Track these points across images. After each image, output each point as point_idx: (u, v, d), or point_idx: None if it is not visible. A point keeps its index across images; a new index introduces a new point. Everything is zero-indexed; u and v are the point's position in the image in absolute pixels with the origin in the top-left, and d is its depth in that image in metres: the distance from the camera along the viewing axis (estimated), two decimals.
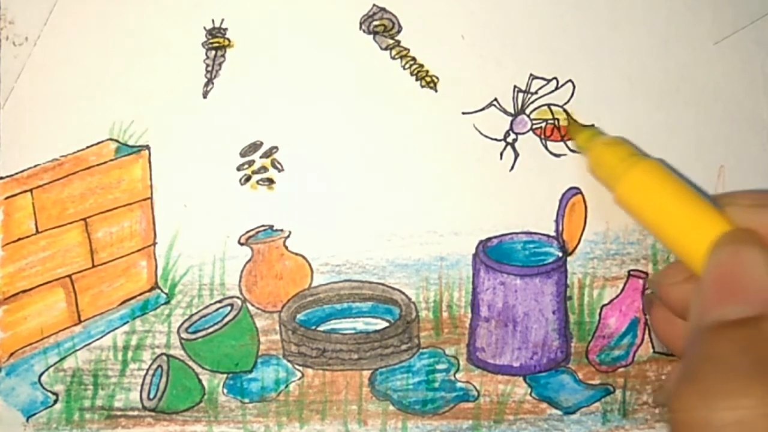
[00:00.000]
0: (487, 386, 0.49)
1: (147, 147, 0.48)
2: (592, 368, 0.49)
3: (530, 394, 0.49)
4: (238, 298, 0.48)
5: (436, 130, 0.48)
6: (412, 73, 0.48)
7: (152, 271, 0.48)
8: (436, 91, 0.48)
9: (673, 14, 0.49)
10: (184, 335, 0.48)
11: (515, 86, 0.48)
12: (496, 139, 0.48)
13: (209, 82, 0.48)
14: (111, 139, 0.48)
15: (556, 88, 0.48)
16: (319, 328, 0.48)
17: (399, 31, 0.48)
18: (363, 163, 0.48)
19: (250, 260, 0.48)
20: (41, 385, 0.47)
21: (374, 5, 0.48)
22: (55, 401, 0.48)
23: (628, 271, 0.49)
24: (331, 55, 0.48)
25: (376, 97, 0.48)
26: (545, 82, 0.48)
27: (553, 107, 0.48)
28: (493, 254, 0.48)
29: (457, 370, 0.49)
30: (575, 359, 0.49)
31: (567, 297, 0.48)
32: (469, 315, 0.48)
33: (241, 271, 0.48)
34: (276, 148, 0.48)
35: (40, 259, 0.47)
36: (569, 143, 0.48)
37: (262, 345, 0.48)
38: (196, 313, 0.48)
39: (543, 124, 0.48)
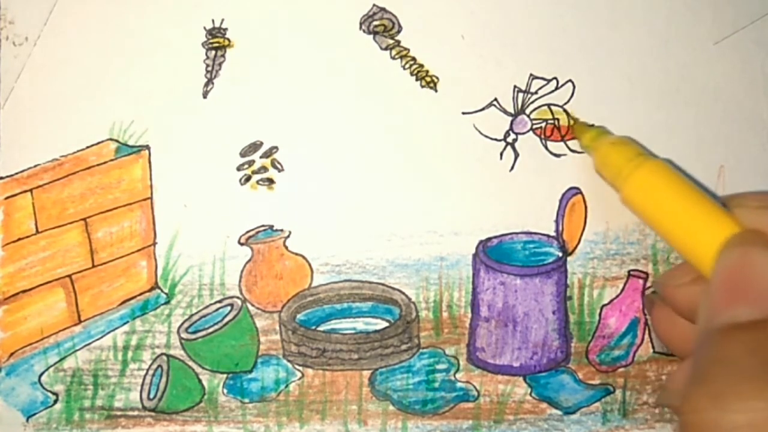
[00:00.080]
0: (487, 386, 0.49)
1: (147, 147, 0.48)
2: (592, 368, 0.49)
3: (530, 394, 0.49)
4: (238, 298, 0.48)
5: (436, 130, 0.48)
6: (412, 73, 0.48)
7: (152, 271, 0.48)
8: (436, 91, 0.48)
9: (673, 14, 0.49)
10: (184, 335, 0.48)
11: (515, 86, 0.48)
12: (496, 139, 0.48)
13: (209, 82, 0.48)
14: (111, 139, 0.48)
15: (556, 88, 0.48)
16: (319, 328, 0.48)
17: (399, 31, 0.48)
18: (363, 163, 0.48)
19: (250, 260, 0.48)
20: (41, 385, 0.47)
21: (374, 5, 0.48)
22: (55, 401, 0.48)
23: (628, 271, 0.49)
24: (331, 55, 0.48)
25: (376, 97, 0.48)
26: (545, 82, 0.48)
27: (553, 107, 0.48)
28: (493, 254, 0.48)
29: (457, 370, 0.49)
30: (575, 359, 0.49)
31: (567, 297, 0.48)
32: (469, 315, 0.48)
33: (241, 271, 0.48)
34: (276, 148, 0.48)
35: (40, 259, 0.47)
36: (569, 143, 0.48)
37: (262, 345, 0.48)
38: (196, 313, 0.48)
39: (543, 124, 0.48)
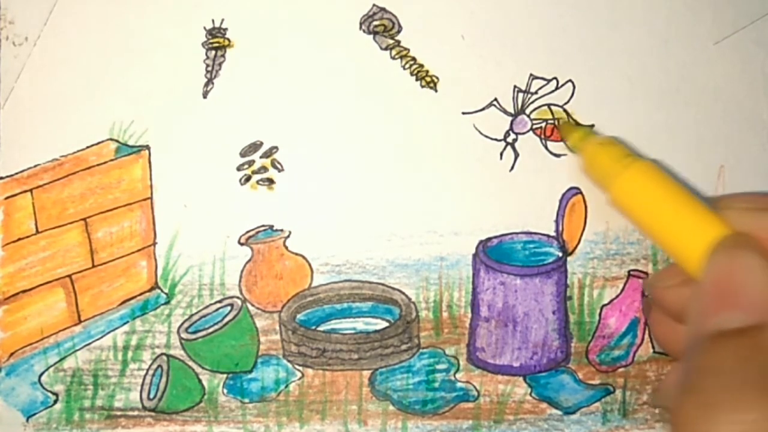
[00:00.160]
0: (487, 386, 0.49)
1: (147, 147, 0.48)
2: (592, 368, 0.49)
3: (530, 394, 0.49)
4: (238, 298, 0.48)
5: (436, 130, 0.48)
6: (412, 73, 0.48)
7: (152, 271, 0.48)
8: (436, 91, 0.48)
9: (673, 14, 0.49)
10: (184, 335, 0.48)
11: (515, 86, 0.48)
12: (496, 139, 0.48)
13: (209, 82, 0.48)
14: (111, 139, 0.48)
15: (556, 88, 0.48)
16: (319, 328, 0.48)
17: (399, 31, 0.48)
18: (363, 163, 0.48)
19: (250, 260, 0.48)
20: (41, 385, 0.47)
21: (374, 5, 0.48)
22: (55, 401, 0.48)
23: (628, 271, 0.49)
24: (331, 55, 0.48)
25: (376, 97, 0.48)
26: (545, 82, 0.48)
27: (553, 107, 0.48)
28: (493, 254, 0.48)
29: (457, 370, 0.49)
30: (575, 359, 0.49)
31: (567, 297, 0.48)
32: (469, 315, 0.48)
33: (241, 271, 0.48)
34: (276, 148, 0.48)
35: (40, 259, 0.47)
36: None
37: (262, 345, 0.48)
38: (196, 313, 0.48)
39: (543, 124, 0.48)
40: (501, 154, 0.48)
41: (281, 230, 0.48)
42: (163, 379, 0.48)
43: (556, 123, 0.48)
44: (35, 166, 0.47)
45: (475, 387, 0.49)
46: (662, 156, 0.46)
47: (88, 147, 0.47)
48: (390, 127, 0.48)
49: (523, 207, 0.48)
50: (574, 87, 0.48)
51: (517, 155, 0.48)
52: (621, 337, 0.49)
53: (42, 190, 0.47)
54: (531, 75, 0.48)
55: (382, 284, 0.48)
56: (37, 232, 0.47)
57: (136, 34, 0.48)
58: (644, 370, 0.49)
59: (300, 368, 0.48)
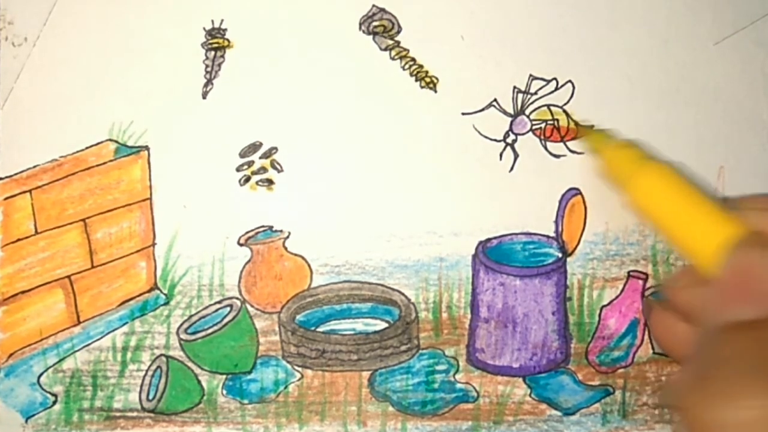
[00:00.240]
0: (487, 387, 0.49)
1: (146, 147, 0.48)
2: (591, 369, 0.49)
3: (530, 395, 0.49)
4: (237, 298, 0.48)
5: (436, 130, 0.48)
6: (411, 74, 0.48)
7: (151, 272, 0.48)
8: (436, 91, 0.48)
9: (673, 14, 0.48)
10: (183, 336, 0.48)
11: (515, 87, 0.48)
12: (495, 140, 0.48)
13: (209, 82, 0.48)
14: (110, 140, 0.48)
15: (556, 89, 0.48)
16: (319, 329, 0.48)
17: (399, 32, 0.48)
18: (363, 163, 0.48)
19: (249, 261, 0.48)
20: (40, 386, 0.47)
21: (374, 6, 0.48)
22: (54, 402, 0.48)
23: (628, 272, 0.48)
24: (331, 55, 0.48)
25: (376, 97, 0.48)
26: (545, 83, 0.48)
27: (552, 108, 0.48)
28: (492, 255, 0.48)
29: (457, 371, 0.48)
30: (575, 360, 0.49)
31: (567, 298, 0.48)
32: (469, 316, 0.48)
33: (241, 272, 0.48)
34: (276, 148, 0.48)
35: (39, 259, 0.47)
36: (569, 144, 0.48)
37: (261, 346, 0.48)
38: (196, 313, 0.48)
39: (543, 125, 0.48)
40: (501, 155, 0.48)
41: (281, 231, 0.48)
42: (163, 380, 0.48)
43: (564, 124, 0.48)
44: (35, 166, 0.47)
45: (474, 388, 0.48)
46: (662, 156, 0.46)
47: (87, 147, 0.47)
48: (390, 127, 0.48)
49: (522, 207, 0.48)
50: (573, 87, 0.48)
51: (516, 156, 0.48)
52: (621, 338, 0.49)
53: (41, 191, 0.47)
54: (531, 75, 0.48)
55: (382, 285, 0.48)
56: (37, 232, 0.47)
57: (136, 34, 0.48)
58: (644, 371, 0.49)
59: (299, 369, 0.48)
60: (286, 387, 0.48)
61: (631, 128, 0.48)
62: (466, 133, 0.48)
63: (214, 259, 0.48)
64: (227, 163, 0.48)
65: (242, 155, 0.48)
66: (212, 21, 0.48)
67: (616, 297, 0.48)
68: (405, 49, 0.48)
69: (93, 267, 0.48)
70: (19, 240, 0.47)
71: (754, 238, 0.38)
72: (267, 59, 0.48)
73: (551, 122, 0.48)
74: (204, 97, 0.48)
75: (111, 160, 0.47)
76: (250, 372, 0.48)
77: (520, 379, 0.49)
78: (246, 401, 0.48)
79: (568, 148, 0.48)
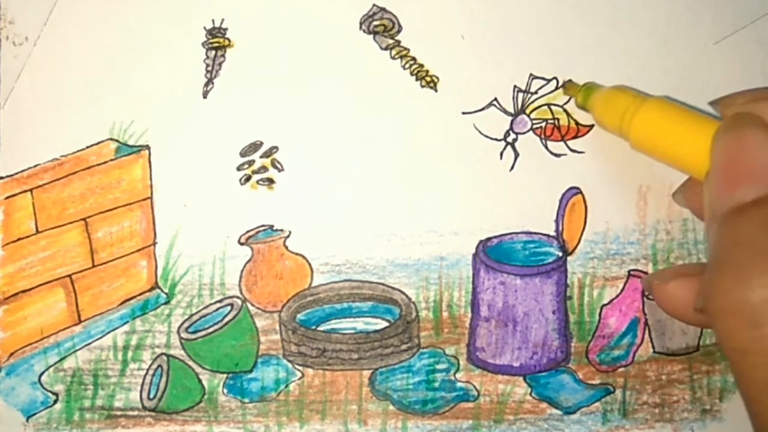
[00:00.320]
0: (487, 386, 0.49)
1: (147, 147, 0.48)
2: (592, 368, 0.49)
3: (530, 394, 0.49)
4: (238, 297, 0.48)
5: (436, 130, 0.48)
6: (412, 73, 0.48)
7: (152, 271, 0.48)
8: (436, 91, 0.48)
9: (673, 14, 0.49)
10: (184, 335, 0.48)
11: (515, 86, 0.48)
12: (496, 139, 0.48)
13: (209, 82, 0.48)
14: (111, 139, 0.48)
15: (556, 88, 0.48)
16: (319, 328, 0.48)
17: (399, 31, 0.48)
18: (363, 163, 0.48)
19: (250, 260, 0.48)
20: (41, 385, 0.47)
21: (374, 5, 0.48)
22: (55, 401, 0.48)
23: (628, 271, 0.49)
24: (331, 55, 0.48)
25: (376, 97, 0.48)
26: (545, 82, 0.48)
27: (553, 107, 0.48)
28: (493, 254, 0.48)
29: (457, 370, 0.49)
30: (575, 359, 0.49)
31: (567, 297, 0.48)
32: (469, 315, 0.48)
33: (241, 271, 0.48)
34: (276, 148, 0.48)
35: (40, 259, 0.47)
36: (569, 143, 0.48)
37: (262, 345, 0.48)
38: (196, 313, 0.48)
39: (543, 124, 0.48)
40: (501, 154, 0.48)
41: (281, 230, 0.48)
42: (163, 379, 0.48)
43: (564, 123, 0.48)
44: (35, 166, 0.47)
45: (475, 387, 0.49)
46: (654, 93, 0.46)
47: (88, 147, 0.47)
48: (390, 127, 0.48)
49: (523, 207, 0.48)
50: None
51: (517, 155, 0.48)
52: (621, 337, 0.49)
53: (42, 190, 0.47)
54: (531, 75, 0.48)
55: (382, 284, 0.48)
56: (37, 232, 0.47)
57: (137, 34, 0.48)
58: (644, 369, 0.49)
59: (300, 368, 0.48)
60: (286, 386, 0.48)
61: None
62: (466, 132, 0.48)
63: (214, 258, 0.48)
64: (228, 163, 0.48)
65: (243, 154, 0.48)
66: (213, 20, 0.48)
67: (617, 296, 0.48)
68: (405, 49, 0.48)
69: (94, 266, 0.48)
70: (19, 239, 0.47)
71: (740, 118, 0.38)
72: (267, 59, 0.48)
73: (552, 121, 0.48)
74: (205, 97, 0.48)
75: (112, 160, 0.47)
76: (250, 371, 0.48)
77: (521, 378, 0.49)
78: (247, 400, 0.48)
79: (568, 147, 0.48)
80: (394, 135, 0.48)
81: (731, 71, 0.49)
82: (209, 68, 0.48)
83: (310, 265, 0.48)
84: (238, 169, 0.48)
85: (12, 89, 0.47)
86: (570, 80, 0.48)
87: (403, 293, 0.48)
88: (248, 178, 0.48)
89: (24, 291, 0.47)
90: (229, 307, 0.48)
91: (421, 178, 0.48)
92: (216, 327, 0.48)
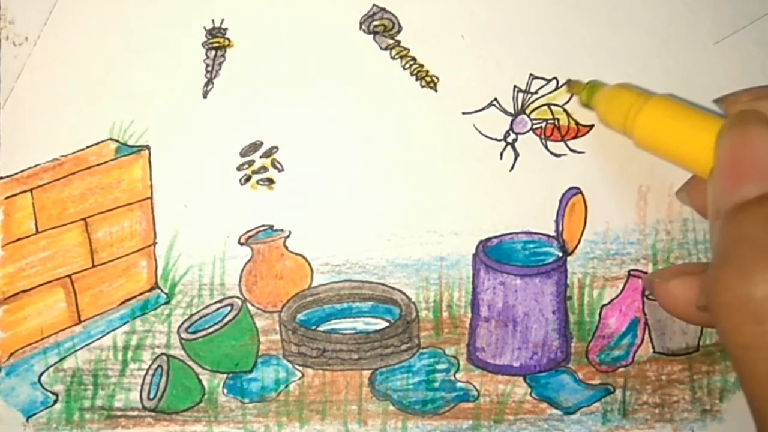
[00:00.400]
0: (487, 386, 0.49)
1: (147, 147, 0.48)
2: (592, 368, 0.49)
3: (530, 394, 0.49)
4: (238, 298, 0.48)
5: (436, 130, 0.48)
6: (412, 73, 0.48)
7: (152, 271, 0.48)
8: (436, 91, 0.48)
9: (673, 14, 0.49)
10: (184, 335, 0.48)
11: (515, 86, 0.48)
12: (496, 139, 0.48)
13: (209, 82, 0.48)
14: (111, 139, 0.48)
15: (556, 88, 0.48)
16: (319, 328, 0.48)
17: (399, 31, 0.48)
18: (363, 163, 0.48)
19: (250, 260, 0.48)
20: (41, 385, 0.47)
21: (374, 5, 0.48)
22: (55, 401, 0.48)
23: (628, 271, 0.49)
24: (331, 55, 0.48)
25: (376, 97, 0.48)
26: (545, 82, 0.48)
27: (553, 107, 0.48)
28: (493, 254, 0.48)
29: (457, 370, 0.49)
30: (575, 359, 0.49)
31: (567, 297, 0.48)
32: (469, 315, 0.48)
33: (241, 271, 0.48)
34: (276, 148, 0.48)
35: (40, 259, 0.47)
36: (569, 143, 0.48)
37: (262, 345, 0.48)
38: (196, 313, 0.48)
39: (543, 124, 0.48)
40: (501, 154, 0.48)
41: (281, 230, 0.48)
42: (163, 379, 0.48)
43: (564, 123, 0.48)
44: (35, 166, 0.47)
45: (475, 387, 0.49)
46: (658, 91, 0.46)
47: (88, 147, 0.47)
48: (390, 127, 0.48)
49: (523, 207, 0.48)
50: None
51: (517, 155, 0.48)
52: (621, 337, 0.49)
53: (42, 190, 0.47)
54: (531, 75, 0.48)
55: (382, 284, 0.48)
56: (37, 232, 0.47)
57: (137, 34, 0.48)
58: (644, 370, 0.49)
59: (300, 368, 0.48)
60: (286, 386, 0.48)
61: None
62: (466, 132, 0.48)
63: (214, 258, 0.48)
64: (228, 163, 0.48)
65: (243, 154, 0.48)
66: (213, 20, 0.48)
67: (617, 296, 0.48)
68: (405, 49, 0.48)
69: (94, 266, 0.48)
70: (19, 239, 0.47)
71: (744, 116, 0.38)
72: (267, 59, 0.48)
73: (552, 121, 0.48)
74: (205, 97, 0.48)
75: (112, 160, 0.47)
76: (250, 371, 0.48)
77: (521, 378, 0.49)
78: (247, 400, 0.48)
79: (568, 147, 0.48)
80: (394, 135, 0.48)
81: (731, 71, 0.49)
82: (209, 68, 0.48)
83: (310, 265, 0.48)
84: (238, 169, 0.48)
85: (12, 89, 0.47)
86: (571, 80, 0.48)
87: (403, 293, 0.48)
88: (248, 178, 0.48)
89: (24, 291, 0.47)
90: (229, 307, 0.48)
91: (421, 178, 0.48)
92: (216, 327, 0.48)
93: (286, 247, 0.48)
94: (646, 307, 0.49)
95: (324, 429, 0.48)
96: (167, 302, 0.48)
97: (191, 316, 0.48)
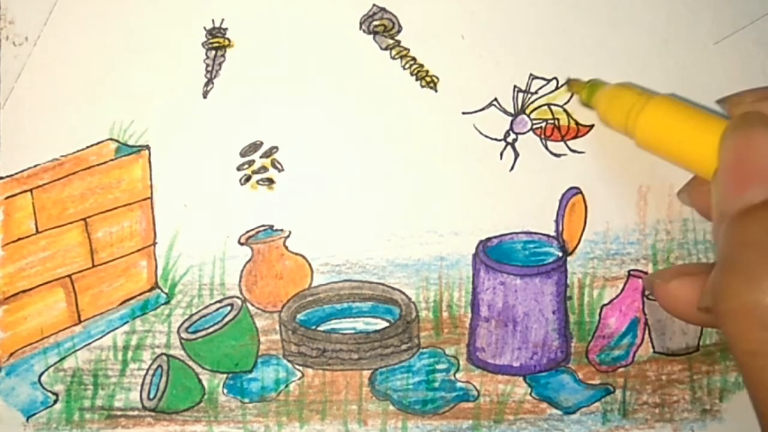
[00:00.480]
0: (487, 386, 0.49)
1: (147, 147, 0.48)
2: (592, 368, 0.49)
3: (530, 394, 0.49)
4: (238, 298, 0.48)
5: (436, 130, 0.48)
6: (412, 73, 0.48)
7: (152, 271, 0.48)
8: (436, 91, 0.48)
9: (673, 14, 0.49)
10: (184, 335, 0.48)
11: (515, 86, 0.48)
12: (496, 139, 0.48)
13: (209, 82, 0.48)
14: (111, 139, 0.48)
15: (556, 88, 0.48)
16: (319, 328, 0.48)
17: (399, 31, 0.48)
18: (363, 163, 0.48)
19: (250, 260, 0.48)
20: (41, 385, 0.47)
21: (374, 5, 0.48)
22: (55, 401, 0.48)
23: (628, 271, 0.49)
24: (331, 55, 0.48)
25: (376, 97, 0.48)
26: (545, 82, 0.48)
27: (553, 107, 0.48)
28: (493, 254, 0.48)
29: (457, 370, 0.49)
30: (575, 359, 0.49)
31: (567, 297, 0.48)
32: (469, 315, 0.48)
33: (241, 271, 0.48)
34: (276, 148, 0.48)
35: (40, 259, 0.47)
36: (569, 143, 0.48)
37: (262, 345, 0.48)
38: (196, 313, 0.48)
39: (543, 124, 0.48)
40: (501, 154, 0.48)
41: (281, 230, 0.48)
42: (163, 379, 0.48)
43: (564, 123, 0.48)
44: (35, 166, 0.47)
45: (475, 387, 0.49)
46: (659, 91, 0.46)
47: (88, 147, 0.47)
48: (390, 127, 0.48)
49: (523, 207, 0.48)
50: None
51: (517, 155, 0.48)
52: (621, 337, 0.49)
53: (42, 190, 0.47)
54: (531, 75, 0.48)
55: (382, 284, 0.48)
56: (37, 232, 0.47)
57: (137, 34, 0.48)
58: (644, 370, 0.49)
59: (300, 368, 0.48)
60: (286, 386, 0.48)
61: None
62: (466, 132, 0.48)
63: (214, 258, 0.48)
64: (228, 163, 0.48)
65: (243, 154, 0.48)
66: (213, 20, 0.48)
67: (617, 296, 0.48)
68: (405, 49, 0.48)
69: (94, 266, 0.48)
70: (19, 239, 0.47)
71: (747, 118, 0.37)
72: (267, 59, 0.48)
73: (552, 121, 0.48)
74: (205, 97, 0.48)
75: (112, 160, 0.47)
76: (250, 371, 0.48)
77: (521, 378, 0.49)
78: (247, 400, 0.48)
79: (568, 147, 0.48)
80: (394, 135, 0.48)
81: (731, 71, 0.49)
82: (209, 68, 0.48)
83: (310, 265, 0.48)
84: (238, 169, 0.48)
85: (12, 89, 0.47)
86: (572, 79, 0.48)
87: (403, 293, 0.48)
88: (248, 178, 0.48)
89: (24, 291, 0.47)
90: (229, 307, 0.48)
91: (421, 178, 0.48)
92: (216, 327, 0.48)
93: (286, 247, 0.48)
94: (646, 307, 0.49)
95: (324, 429, 0.48)
96: (167, 302, 0.48)
97: (191, 316, 0.48)
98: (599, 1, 0.48)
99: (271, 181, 0.48)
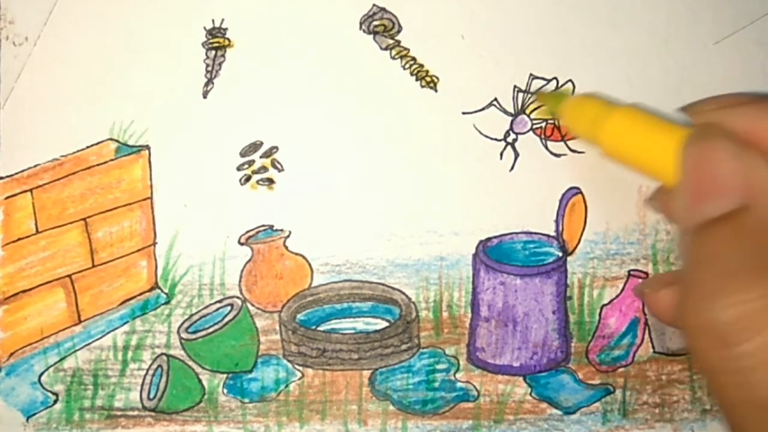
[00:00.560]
0: (487, 386, 0.49)
1: (147, 147, 0.48)
2: (592, 368, 0.49)
3: (530, 394, 0.49)
4: (238, 298, 0.48)
5: (436, 130, 0.48)
6: (412, 73, 0.48)
7: (152, 271, 0.48)
8: (436, 91, 0.48)
9: (673, 14, 0.49)
10: (184, 335, 0.48)
11: (515, 86, 0.48)
12: (496, 139, 0.48)
13: (209, 82, 0.48)
14: (111, 139, 0.48)
15: (556, 88, 0.48)
16: (319, 328, 0.48)
17: (399, 31, 0.48)
18: (363, 163, 0.48)
19: (250, 260, 0.48)
20: (41, 385, 0.47)
21: (374, 5, 0.48)
22: (55, 401, 0.48)
23: (628, 271, 0.49)
24: (331, 55, 0.48)
25: (376, 97, 0.48)
26: (545, 82, 0.48)
27: None
28: (493, 254, 0.48)
29: (457, 370, 0.49)
30: (575, 359, 0.49)
31: (567, 297, 0.48)
32: (469, 315, 0.48)
33: (241, 271, 0.48)
34: (276, 148, 0.48)
35: (40, 259, 0.47)
36: (569, 143, 0.48)
37: (262, 345, 0.48)
38: (196, 313, 0.48)
39: (543, 124, 0.48)
40: (501, 154, 0.48)
41: (281, 230, 0.48)
42: (163, 379, 0.48)
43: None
44: (35, 166, 0.47)
45: (475, 387, 0.49)
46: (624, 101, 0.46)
47: (88, 147, 0.47)
48: (390, 127, 0.48)
49: (523, 207, 0.48)
50: (574, 87, 0.48)
51: (517, 155, 0.48)
52: (621, 337, 0.49)
53: (42, 190, 0.47)
54: (531, 75, 0.48)
55: (382, 284, 0.48)
56: (37, 232, 0.47)
57: (137, 34, 0.48)
58: (644, 370, 0.49)
59: (300, 368, 0.48)
60: (286, 386, 0.48)
61: None
62: (466, 132, 0.48)
63: (214, 258, 0.48)
64: (228, 163, 0.48)
65: (243, 154, 0.48)
66: (213, 20, 0.48)
67: (617, 296, 0.48)
68: (405, 49, 0.48)
69: (94, 266, 0.48)
70: (19, 239, 0.47)
71: (705, 130, 0.36)
72: (267, 59, 0.48)
73: (552, 121, 0.48)
74: (205, 97, 0.48)
75: (112, 160, 0.47)
76: (250, 371, 0.48)
77: (521, 378, 0.49)
78: (247, 400, 0.48)
79: (568, 147, 0.48)
80: (394, 135, 0.48)
81: (731, 71, 0.49)
82: (209, 68, 0.48)
83: (310, 265, 0.48)
84: (238, 169, 0.48)
85: (12, 89, 0.47)
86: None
87: (403, 293, 0.48)
88: (248, 178, 0.48)
89: (24, 291, 0.47)
90: (229, 307, 0.48)
91: (421, 178, 0.48)
92: (216, 327, 0.48)
93: (286, 247, 0.48)
94: (645, 308, 0.49)
95: (324, 429, 0.48)
96: (167, 302, 0.48)
97: (191, 316, 0.48)
98: (599, 1, 0.48)
99: (271, 181, 0.48)
